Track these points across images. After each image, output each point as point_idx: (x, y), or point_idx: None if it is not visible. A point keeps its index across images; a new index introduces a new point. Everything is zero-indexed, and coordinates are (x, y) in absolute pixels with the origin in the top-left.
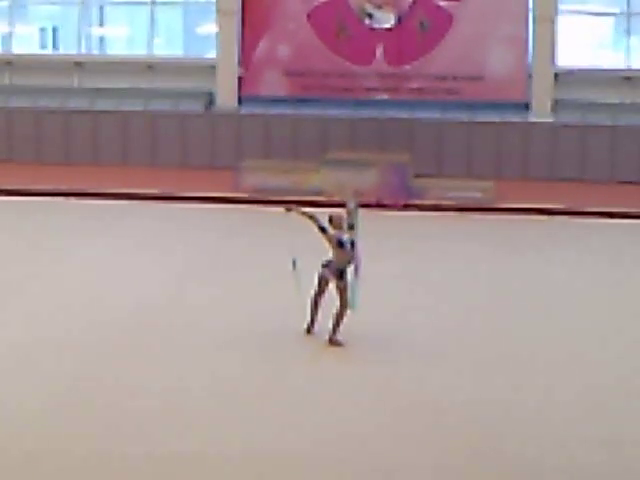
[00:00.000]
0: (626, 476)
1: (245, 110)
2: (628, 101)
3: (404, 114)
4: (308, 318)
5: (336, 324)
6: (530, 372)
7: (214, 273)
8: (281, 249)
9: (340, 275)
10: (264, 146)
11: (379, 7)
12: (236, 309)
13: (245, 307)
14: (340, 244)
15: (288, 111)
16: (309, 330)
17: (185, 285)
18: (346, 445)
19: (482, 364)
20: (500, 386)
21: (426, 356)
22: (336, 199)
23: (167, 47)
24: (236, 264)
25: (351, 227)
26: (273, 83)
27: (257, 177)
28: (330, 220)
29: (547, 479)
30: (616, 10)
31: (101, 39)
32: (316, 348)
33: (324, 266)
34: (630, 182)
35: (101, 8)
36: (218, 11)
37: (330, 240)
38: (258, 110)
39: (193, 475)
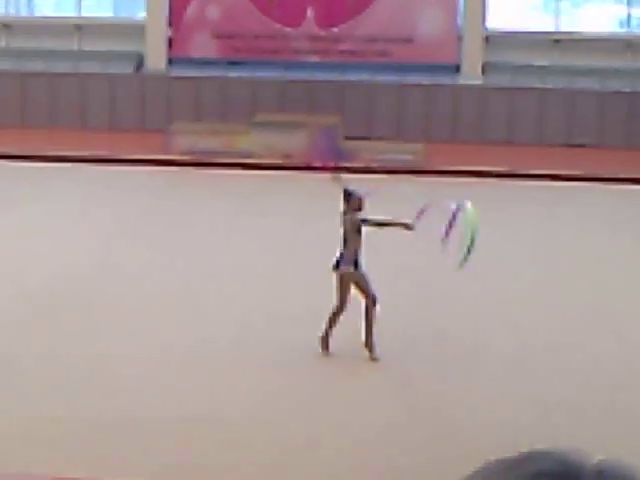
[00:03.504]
0: (554, 435)
1: (175, 72)
2: (557, 64)
3: (334, 76)
4: (323, 331)
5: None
6: (457, 332)
7: (145, 236)
8: (212, 210)
9: (355, 264)
10: (194, 108)
11: None
12: (168, 271)
13: (178, 269)
14: (359, 230)
15: (218, 73)
16: (327, 346)
17: (115, 248)
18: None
19: (410, 318)
20: (426, 346)
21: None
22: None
23: (96, 8)
24: (167, 226)
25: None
26: (203, 45)
27: (187, 139)
28: (348, 197)
29: (474, 438)
30: None
31: (29, 0)
32: (248, 311)
33: (336, 266)
34: (558, 144)
35: None
36: None
37: (353, 223)
38: (188, 72)
39: (124, 440)
